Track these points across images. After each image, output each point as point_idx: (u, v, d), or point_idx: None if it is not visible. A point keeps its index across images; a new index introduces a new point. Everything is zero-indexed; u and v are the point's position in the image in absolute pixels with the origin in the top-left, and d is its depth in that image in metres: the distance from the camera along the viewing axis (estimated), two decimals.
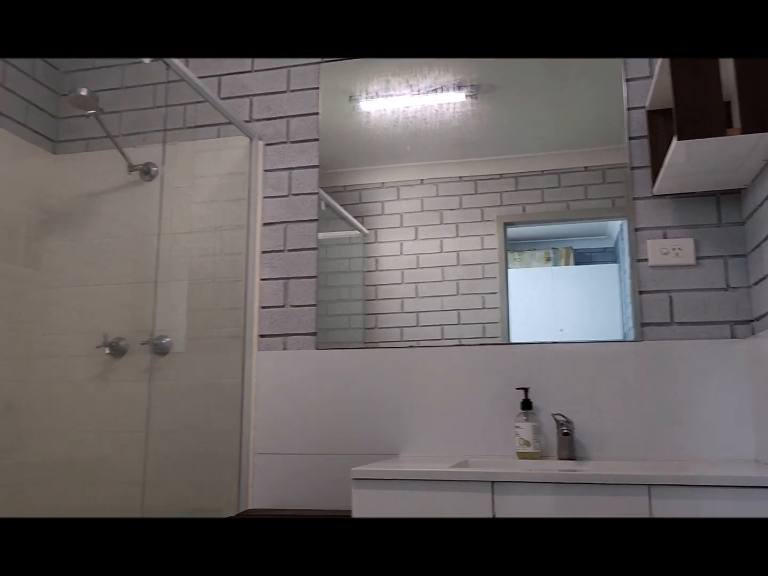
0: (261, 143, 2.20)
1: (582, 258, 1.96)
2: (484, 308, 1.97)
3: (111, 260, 2.26)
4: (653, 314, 1.85)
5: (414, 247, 2.05)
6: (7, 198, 2.16)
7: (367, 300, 2.06)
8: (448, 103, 2.09)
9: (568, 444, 1.78)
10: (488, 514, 1.40)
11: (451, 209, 2.05)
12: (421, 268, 2.04)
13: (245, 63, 2.26)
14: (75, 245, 2.31)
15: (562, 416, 1.81)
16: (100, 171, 2.33)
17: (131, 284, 2.23)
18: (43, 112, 2.38)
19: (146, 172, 2.28)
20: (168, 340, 2.14)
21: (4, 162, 2.16)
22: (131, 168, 2.27)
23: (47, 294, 2.29)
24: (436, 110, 2.10)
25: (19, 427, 2.17)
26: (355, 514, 1.47)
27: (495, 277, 1.98)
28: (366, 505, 1.47)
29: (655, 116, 1.89)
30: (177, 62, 1.77)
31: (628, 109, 1.96)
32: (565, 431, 1.77)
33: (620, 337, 1.86)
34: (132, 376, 2.15)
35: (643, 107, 1.94)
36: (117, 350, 2.17)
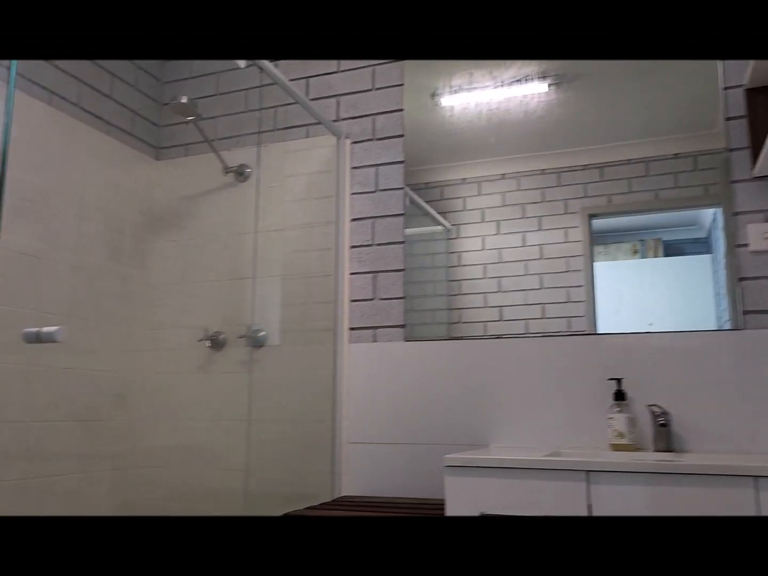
0: (348, 141, 2.26)
1: (672, 249, 1.90)
2: (569, 302, 1.95)
3: (209, 259, 2.39)
4: (756, 301, 1.77)
5: (496, 242, 2.05)
6: (115, 202, 2.33)
7: (451, 295, 2.08)
8: (532, 94, 2.08)
9: (665, 435, 1.74)
10: (583, 504, 1.39)
11: (534, 202, 2.04)
12: (504, 262, 2.03)
13: (331, 64, 2.33)
14: (176, 245, 2.46)
15: (658, 407, 1.76)
16: (198, 174, 2.47)
17: (228, 281, 2.35)
18: (147, 121, 2.54)
19: (240, 173, 2.38)
20: (263, 333, 2.24)
21: (112, 169, 2.32)
22: (226, 170, 2.39)
23: (152, 292, 2.44)
24: (520, 101, 2.09)
25: (131, 416, 2.33)
26: (448, 501, 1.49)
27: (580, 270, 1.95)
28: (459, 493, 1.49)
29: (755, 94, 1.81)
30: (269, 66, 1.86)
31: (725, 88, 1.89)
32: (661, 422, 1.72)
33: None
34: (231, 368, 2.27)
35: (741, 86, 1.87)
36: (217, 343, 2.29)
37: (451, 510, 1.49)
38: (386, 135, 2.23)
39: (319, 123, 2.21)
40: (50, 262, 2.03)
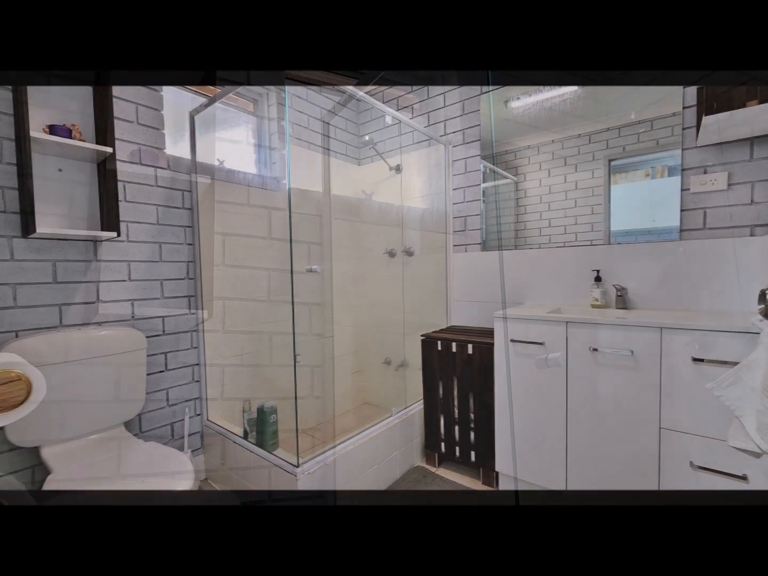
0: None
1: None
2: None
3: None
4: None
5: None
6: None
7: None
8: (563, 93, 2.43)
9: None
10: None
11: None
12: None
13: None
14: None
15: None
16: (372, 174, 3.46)
17: None
18: (353, 147, 3.62)
19: (399, 170, 3.11)
20: None
21: (345, 173, 3.43)
22: (390, 168, 3.39)
23: None
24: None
25: None
26: None
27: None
28: None
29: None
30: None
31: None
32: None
33: None
34: None
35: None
36: None
37: None
38: None
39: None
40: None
